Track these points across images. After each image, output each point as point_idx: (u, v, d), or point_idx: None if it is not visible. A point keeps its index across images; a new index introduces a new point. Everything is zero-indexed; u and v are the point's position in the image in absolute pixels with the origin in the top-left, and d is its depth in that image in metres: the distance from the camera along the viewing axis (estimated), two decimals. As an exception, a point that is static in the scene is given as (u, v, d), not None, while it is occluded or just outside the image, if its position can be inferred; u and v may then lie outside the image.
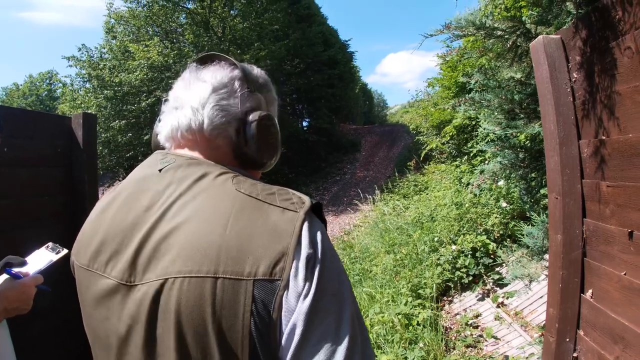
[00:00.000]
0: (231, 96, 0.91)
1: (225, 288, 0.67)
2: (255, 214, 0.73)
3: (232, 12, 17.44)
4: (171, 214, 0.76)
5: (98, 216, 0.88)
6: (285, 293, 0.67)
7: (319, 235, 0.74)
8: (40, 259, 1.55)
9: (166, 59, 15.14)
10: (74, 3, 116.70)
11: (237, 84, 0.92)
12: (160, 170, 0.84)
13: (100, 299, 0.79)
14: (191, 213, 0.74)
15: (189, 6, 17.34)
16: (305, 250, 0.70)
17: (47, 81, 47.54)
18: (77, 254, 0.88)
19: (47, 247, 1.63)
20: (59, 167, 2.45)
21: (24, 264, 1.48)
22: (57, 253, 1.59)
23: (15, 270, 1.40)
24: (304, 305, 0.67)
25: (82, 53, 17.24)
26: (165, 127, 0.94)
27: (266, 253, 0.68)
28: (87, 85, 17.45)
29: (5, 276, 1.37)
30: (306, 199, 0.78)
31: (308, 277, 0.68)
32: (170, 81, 15.30)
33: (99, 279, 0.80)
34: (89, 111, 14.02)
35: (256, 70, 1.01)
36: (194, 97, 0.90)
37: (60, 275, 2.12)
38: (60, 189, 2.43)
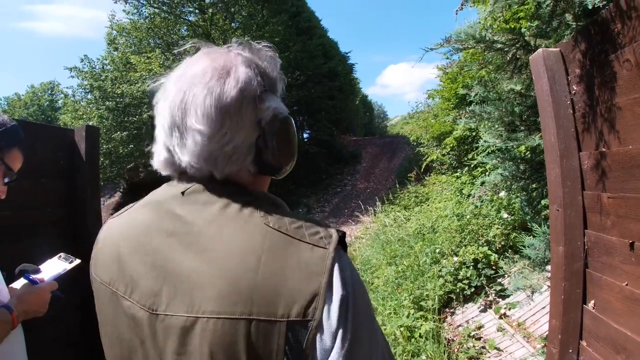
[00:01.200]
0: (241, 120, 0.78)
1: (259, 330, 0.66)
2: (286, 253, 0.71)
3: (233, 24, 17.56)
4: (199, 244, 0.74)
5: (117, 233, 0.86)
6: (318, 332, 0.67)
7: (348, 272, 0.72)
8: (54, 267, 1.64)
9: (168, 70, 15.20)
10: (75, 14, 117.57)
11: (253, 85, 0.80)
12: (182, 193, 0.80)
13: (123, 317, 0.79)
14: (221, 247, 0.72)
15: (190, 18, 17.50)
16: (337, 290, 0.69)
17: (49, 91, 47.67)
18: (96, 268, 0.87)
19: (60, 256, 1.71)
20: (61, 178, 2.46)
21: (37, 271, 1.59)
22: (70, 262, 1.68)
23: (32, 276, 1.51)
24: (340, 343, 0.67)
25: (84, 64, 17.36)
26: None
27: (299, 294, 0.67)
28: (89, 96, 17.54)
29: (23, 281, 1.49)
30: (333, 233, 0.75)
31: (341, 317, 0.68)
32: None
33: (120, 299, 0.79)
34: (91, 122, 14.10)
35: (262, 54, 0.88)
36: (189, 130, 0.80)
37: (59, 287, 2.14)
38: (61, 201, 2.43)
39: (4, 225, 2.03)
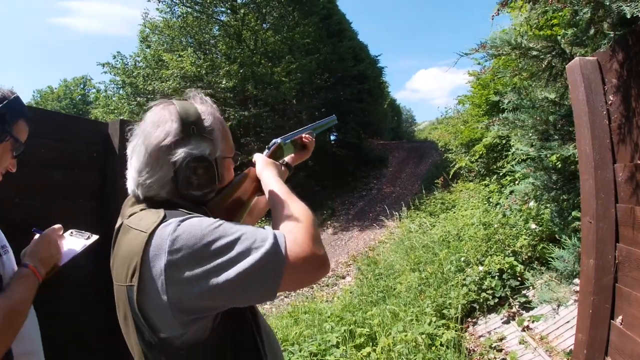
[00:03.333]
0: (158, 164, 1.10)
1: (118, 290, 1.07)
2: (125, 237, 1.09)
3: (264, 25, 17.71)
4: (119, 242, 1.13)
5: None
6: (142, 293, 0.98)
7: (167, 243, 0.96)
8: (70, 244, 1.67)
9: (199, 69, 15.44)
10: (109, 11, 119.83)
11: (168, 139, 1.09)
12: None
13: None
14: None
15: (222, 18, 17.73)
16: (154, 261, 0.96)
17: (82, 86, 48.87)
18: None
19: (72, 233, 1.73)
20: (93, 171, 2.50)
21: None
22: (87, 238, 1.72)
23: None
24: (166, 297, 0.96)
25: (117, 60, 17.74)
26: None
27: (130, 266, 1.01)
28: (121, 92, 17.91)
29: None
30: (159, 218, 1.03)
31: (161, 279, 0.96)
32: (202, 91, 15.58)
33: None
34: (122, 117, 14.38)
35: (194, 107, 1.17)
36: (130, 168, 1.15)
37: (86, 278, 2.18)
38: (92, 193, 2.47)
39: (34, 215, 2.06)
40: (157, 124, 1.11)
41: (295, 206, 1.14)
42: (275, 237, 0.98)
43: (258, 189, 1.37)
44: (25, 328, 1.33)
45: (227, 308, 1.02)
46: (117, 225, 1.16)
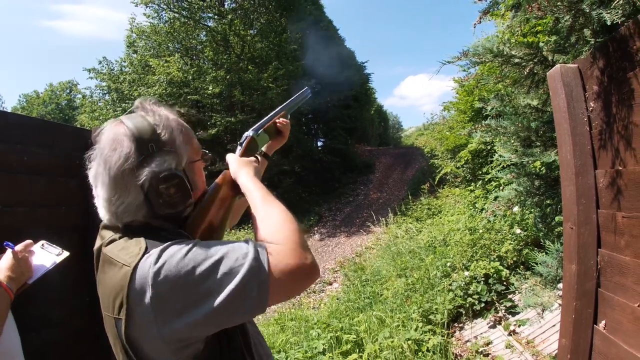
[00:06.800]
0: (125, 189, 1.05)
1: (108, 321, 1.04)
2: (108, 269, 1.05)
3: (251, 31, 17.71)
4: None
5: None
6: (130, 324, 0.96)
7: (150, 276, 0.94)
8: (41, 258, 1.62)
9: (185, 75, 15.38)
10: (104, 16, 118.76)
11: (128, 162, 1.04)
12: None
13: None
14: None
15: (209, 24, 17.66)
16: (140, 295, 0.95)
17: (68, 91, 48.35)
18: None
19: (42, 245, 1.68)
20: (77, 178, 2.47)
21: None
22: (58, 255, 1.66)
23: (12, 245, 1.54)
24: (156, 326, 0.95)
25: (103, 65, 17.60)
26: None
27: (116, 299, 0.99)
28: (107, 98, 17.76)
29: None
30: (141, 249, 1.00)
31: (149, 311, 0.94)
32: (188, 97, 15.64)
33: None
34: (107, 124, 14.27)
35: (146, 122, 1.11)
36: (98, 198, 1.11)
37: (71, 286, 2.16)
38: (76, 200, 2.45)
39: (17, 222, 2.05)
40: (114, 147, 1.05)
41: (275, 212, 1.09)
42: (256, 252, 0.96)
43: (237, 190, 1.29)
44: (6, 329, 1.35)
45: (218, 330, 1.01)
46: (96, 247, 1.12)
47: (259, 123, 1.60)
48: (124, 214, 1.07)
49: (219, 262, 0.94)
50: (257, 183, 1.22)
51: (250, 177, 1.25)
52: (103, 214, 1.10)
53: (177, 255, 0.93)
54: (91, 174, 1.10)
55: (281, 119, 1.68)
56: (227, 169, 1.34)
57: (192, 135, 1.21)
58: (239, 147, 1.50)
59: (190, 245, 0.96)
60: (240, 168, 1.30)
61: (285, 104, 1.75)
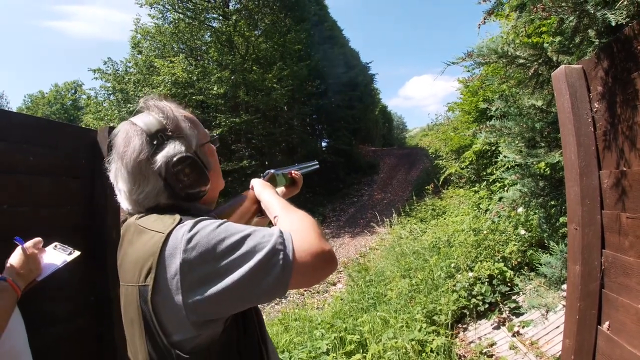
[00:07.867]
0: (144, 178, 1.13)
1: (127, 292, 1.08)
2: (138, 238, 1.09)
3: (256, 32, 17.73)
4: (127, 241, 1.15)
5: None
6: (157, 294, 0.99)
7: (181, 244, 0.99)
8: (52, 258, 1.64)
9: (190, 75, 15.40)
10: (108, 17, 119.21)
11: (142, 153, 1.11)
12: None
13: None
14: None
15: (214, 25, 17.69)
16: (170, 262, 0.99)
17: (72, 91, 48.52)
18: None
19: (55, 246, 1.70)
20: (82, 178, 2.48)
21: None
22: (69, 254, 1.69)
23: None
24: (182, 299, 0.98)
25: (108, 66, 17.64)
26: None
27: (143, 267, 1.02)
28: (111, 98, 17.80)
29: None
30: (176, 220, 1.06)
31: (177, 280, 0.98)
32: (193, 97, 15.65)
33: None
34: (112, 124, 14.30)
35: (151, 117, 1.19)
36: (120, 193, 1.19)
37: (75, 284, 2.16)
38: (81, 200, 2.46)
39: (22, 221, 2.06)
40: (127, 143, 1.13)
41: (297, 212, 1.20)
42: (281, 232, 1.02)
43: (258, 210, 1.44)
44: (12, 325, 1.35)
45: (239, 310, 1.05)
46: (123, 224, 1.20)
47: (279, 168, 1.79)
48: (145, 200, 1.14)
49: (246, 237, 0.99)
50: (279, 198, 1.35)
51: (273, 194, 1.40)
52: (126, 205, 1.18)
53: (209, 227, 1.00)
54: (111, 174, 1.17)
55: (297, 172, 1.88)
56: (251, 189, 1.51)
57: (198, 122, 1.30)
58: (261, 177, 1.64)
59: (221, 222, 1.03)
60: (264, 188, 1.45)
61: (299, 164, 1.98)
